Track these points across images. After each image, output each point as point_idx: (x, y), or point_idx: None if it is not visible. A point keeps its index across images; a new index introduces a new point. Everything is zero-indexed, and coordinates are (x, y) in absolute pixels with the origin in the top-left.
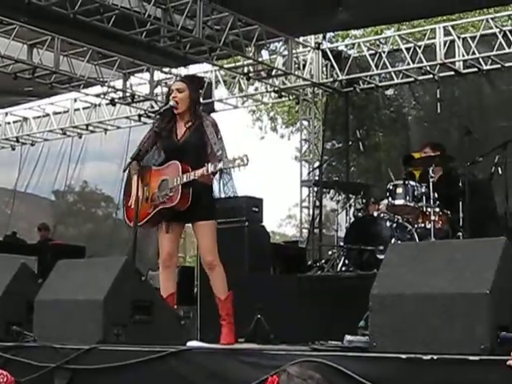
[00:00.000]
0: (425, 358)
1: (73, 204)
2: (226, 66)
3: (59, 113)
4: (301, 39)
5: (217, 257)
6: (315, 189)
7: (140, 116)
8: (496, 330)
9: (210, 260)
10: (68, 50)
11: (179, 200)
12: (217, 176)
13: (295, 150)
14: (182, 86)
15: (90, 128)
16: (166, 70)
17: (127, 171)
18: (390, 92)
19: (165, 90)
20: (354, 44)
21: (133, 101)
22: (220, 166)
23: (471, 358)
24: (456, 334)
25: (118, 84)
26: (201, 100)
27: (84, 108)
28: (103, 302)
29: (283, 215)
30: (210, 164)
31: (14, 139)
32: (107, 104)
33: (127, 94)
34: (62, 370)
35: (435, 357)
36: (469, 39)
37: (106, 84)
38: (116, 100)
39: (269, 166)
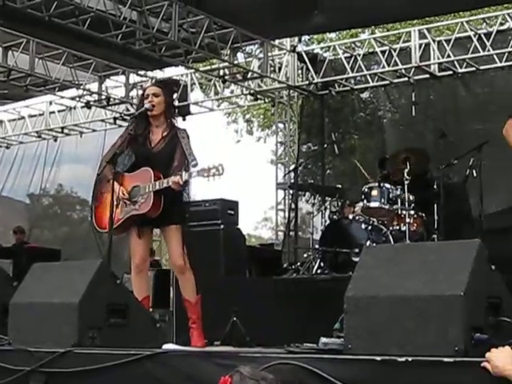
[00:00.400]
0: (399, 359)
1: (48, 207)
2: (201, 68)
3: (34, 115)
4: (276, 42)
5: (187, 261)
6: (291, 191)
7: (115, 119)
8: (470, 332)
9: (180, 264)
10: (43, 53)
11: (151, 207)
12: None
13: (271, 152)
14: (157, 90)
15: (66, 131)
16: (142, 72)
17: (97, 177)
18: (365, 95)
19: (140, 92)
20: (329, 47)
21: (108, 104)
22: (194, 174)
23: (445, 359)
24: (430, 336)
25: (94, 87)
26: (175, 104)
27: (59, 111)
28: (78, 305)
29: (259, 218)
30: (184, 172)
31: None
32: (82, 107)
33: (102, 97)
34: (37, 374)
35: (410, 359)
36: (444, 42)
37: (82, 87)
38: (91, 103)
39: (245, 168)
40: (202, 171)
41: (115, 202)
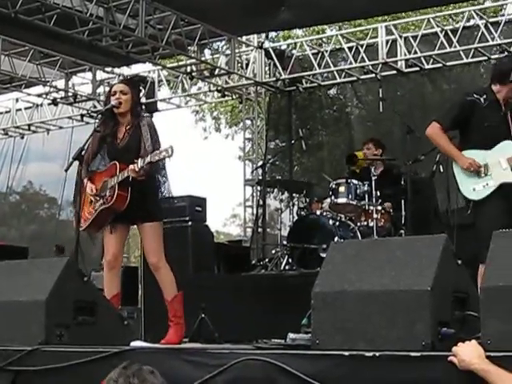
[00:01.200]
0: (367, 354)
1: (15, 205)
2: (168, 65)
3: (1, 113)
4: (244, 38)
5: (162, 258)
6: (259, 188)
7: (82, 116)
8: (437, 326)
9: (154, 261)
10: (9, 50)
11: (116, 199)
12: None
13: (239, 149)
14: (124, 88)
15: (32, 128)
16: (109, 69)
17: (76, 175)
18: (332, 91)
19: (107, 89)
20: (296, 43)
21: (75, 101)
22: (147, 159)
23: (413, 354)
24: (398, 331)
25: (60, 84)
26: (142, 101)
27: (26, 108)
28: (45, 302)
29: (228, 215)
30: (139, 159)
31: None
32: (49, 104)
33: (69, 94)
34: (5, 372)
35: (377, 353)
36: (411, 38)
37: (48, 84)
38: (58, 100)
39: (213, 165)
40: (153, 155)
41: (88, 200)
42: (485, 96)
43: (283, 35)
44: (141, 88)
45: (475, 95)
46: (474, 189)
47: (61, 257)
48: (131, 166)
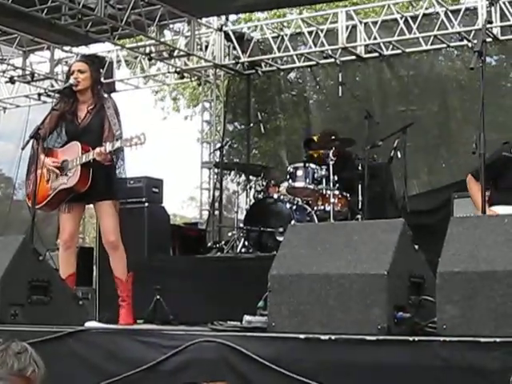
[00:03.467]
0: (323, 338)
1: None
2: (127, 45)
3: None
4: (204, 20)
5: (119, 237)
6: (216, 170)
7: (40, 95)
8: (393, 311)
9: (112, 240)
10: None
11: (78, 180)
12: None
13: (197, 131)
14: (83, 66)
15: None
16: (67, 48)
17: (31, 150)
18: (292, 75)
19: (65, 68)
20: (256, 26)
21: (32, 79)
22: (118, 144)
23: (368, 338)
24: (354, 315)
25: (18, 62)
26: (102, 80)
27: None
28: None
29: (185, 197)
30: (108, 143)
31: None
32: (6, 82)
33: (27, 73)
34: None
35: (333, 337)
36: (370, 24)
37: (6, 62)
38: (15, 78)
39: (171, 147)
40: (124, 141)
41: (45, 178)
42: None
43: (244, 18)
44: (103, 64)
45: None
46: None
47: None
48: (98, 149)
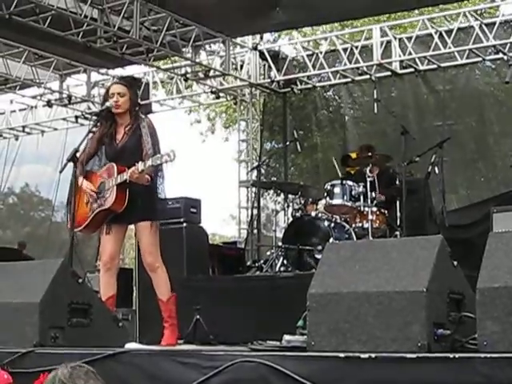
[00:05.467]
0: (363, 356)
1: (13, 206)
2: (163, 67)
3: None
4: (238, 40)
5: (159, 258)
6: (253, 189)
7: (77, 117)
8: (433, 328)
9: (150, 261)
10: (4, 51)
11: (114, 201)
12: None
13: (234, 150)
14: (122, 89)
15: (27, 130)
16: (103, 71)
17: (72, 175)
18: (327, 93)
19: (102, 91)
20: (291, 44)
21: (69, 102)
22: (149, 163)
23: (408, 355)
24: (393, 332)
25: (55, 85)
26: (139, 102)
27: (20, 109)
28: (39, 304)
29: (224, 216)
30: (140, 162)
31: None
32: (44, 105)
33: (64, 96)
34: None
35: (373, 355)
36: (405, 39)
37: (43, 85)
38: (52, 101)
39: (208, 166)
40: (155, 159)
41: (85, 200)
42: None
43: (279, 36)
44: (140, 85)
45: None
46: None
47: (22, 253)
48: (132, 169)
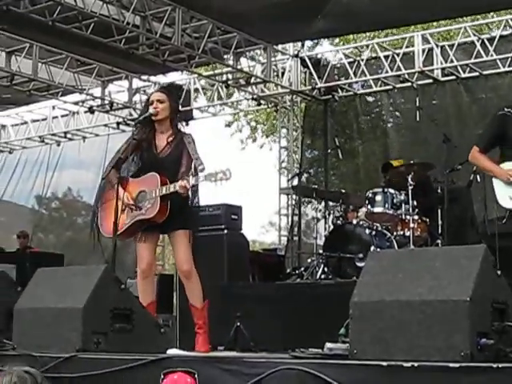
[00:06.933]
0: (405, 365)
1: (55, 211)
2: (204, 73)
3: (37, 120)
4: (279, 47)
5: (193, 266)
6: (294, 196)
7: (118, 124)
8: (476, 337)
9: (186, 269)
10: (46, 58)
11: (157, 212)
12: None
13: (275, 157)
14: (162, 96)
15: (69, 136)
16: (145, 77)
17: (102, 180)
18: (369, 99)
19: (143, 97)
20: (332, 52)
21: (111, 108)
22: (202, 179)
23: (451, 365)
24: (436, 341)
25: (97, 92)
26: (180, 109)
27: (62, 115)
28: (83, 310)
29: (264, 223)
30: (191, 177)
31: None
32: (85, 112)
33: (106, 102)
34: None
35: (416, 364)
36: (447, 47)
37: (85, 92)
38: (94, 108)
39: (249, 173)
40: (209, 176)
41: (121, 208)
42: None
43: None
44: (181, 92)
45: (506, 109)
46: (511, 197)
47: (23, 242)
48: (181, 183)
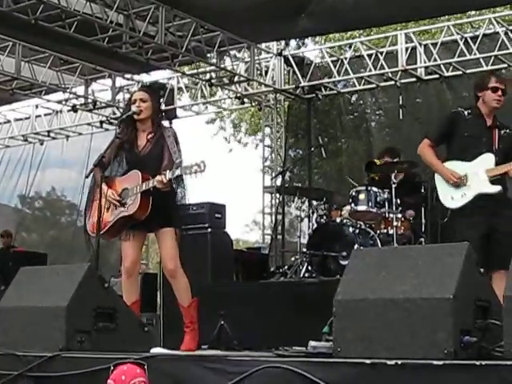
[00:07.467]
0: (389, 363)
1: (38, 210)
2: (188, 72)
3: (20, 119)
4: (263, 46)
5: (179, 264)
6: (277, 195)
7: (102, 122)
8: (459, 335)
9: (170, 268)
10: (29, 56)
11: (138, 208)
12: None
13: (259, 156)
14: (145, 95)
15: (52, 134)
16: (128, 76)
17: (91, 179)
18: (352, 98)
19: (127, 96)
20: (315, 50)
21: (94, 107)
22: (178, 172)
23: (435, 362)
24: (420, 339)
25: (80, 90)
26: (162, 108)
27: (45, 114)
28: (66, 309)
29: (248, 222)
30: (168, 171)
31: None
32: (69, 110)
33: (89, 101)
34: (25, 378)
35: (399, 362)
36: (430, 46)
37: (68, 90)
38: (78, 106)
39: (232, 172)
40: (184, 168)
41: (105, 206)
42: (469, 110)
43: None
44: (161, 93)
45: (459, 109)
46: (453, 197)
47: (7, 241)
48: (158, 178)
